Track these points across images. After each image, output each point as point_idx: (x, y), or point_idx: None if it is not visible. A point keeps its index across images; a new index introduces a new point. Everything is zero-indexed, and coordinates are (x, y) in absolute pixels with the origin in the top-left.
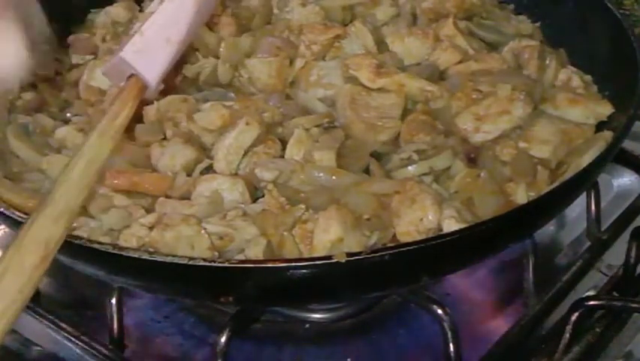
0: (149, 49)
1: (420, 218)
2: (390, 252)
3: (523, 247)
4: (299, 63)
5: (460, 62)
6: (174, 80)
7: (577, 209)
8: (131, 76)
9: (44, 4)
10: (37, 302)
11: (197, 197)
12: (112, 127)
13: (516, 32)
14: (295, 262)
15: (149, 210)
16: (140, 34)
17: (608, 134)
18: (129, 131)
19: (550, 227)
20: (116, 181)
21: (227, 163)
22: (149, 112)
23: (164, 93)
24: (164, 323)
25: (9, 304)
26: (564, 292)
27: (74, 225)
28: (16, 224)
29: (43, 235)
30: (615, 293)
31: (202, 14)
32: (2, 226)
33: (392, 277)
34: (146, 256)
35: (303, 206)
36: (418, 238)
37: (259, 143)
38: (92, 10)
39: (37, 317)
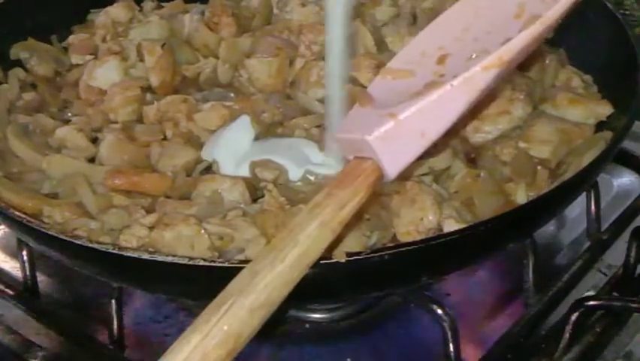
0: (400, 140)
1: (420, 218)
2: (390, 252)
3: (523, 247)
4: (299, 63)
5: None
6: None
7: (577, 209)
8: (367, 158)
9: (44, 4)
10: (37, 302)
11: (197, 197)
12: (336, 218)
13: None
14: None
15: (149, 210)
16: (395, 121)
17: (608, 134)
18: (129, 130)
19: (550, 227)
20: (116, 181)
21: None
22: (149, 112)
23: (164, 93)
24: (164, 323)
25: None
26: (564, 292)
27: (74, 225)
28: (16, 224)
29: (236, 327)
30: (615, 293)
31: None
32: (2, 226)
33: (392, 277)
34: (146, 256)
35: (303, 206)
36: (418, 238)
37: None
38: (92, 10)
39: (37, 316)
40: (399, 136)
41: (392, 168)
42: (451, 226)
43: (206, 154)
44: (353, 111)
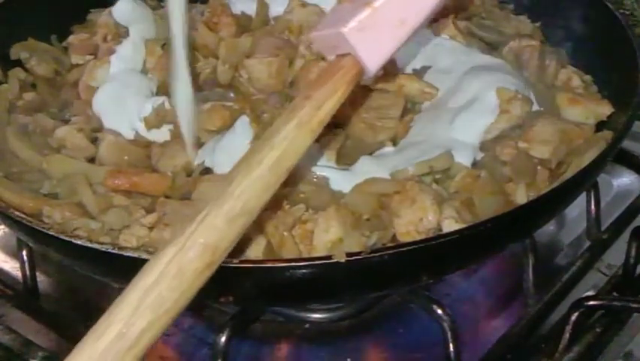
0: (378, 29)
1: (420, 218)
2: (390, 252)
3: (523, 247)
4: (299, 63)
5: None
6: None
7: (577, 209)
8: (345, 54)
9: (44, 4)
10: (37, 302)
11: (197, 197)
12: (315, 117)
13: (516, 32)
14: (295, 262)
15: (149, 210)
16: (371, 9)
17: (608, 134)
18: None
19: (550, 227)
20: (116, 181)
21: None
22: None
23: (164, 94)
24: None
25: (161, 315)
26: (564, 292)
27: (74, 225)
28: (16, 224)
29: (213, 237)
30: (615, 293)
31: None
32: (2, 226)
33: (392, 277)
34: (146, 256)
35: (303, 206)
36: (418, 238)
37: None
38: (92, 10)
39: (37, 317)
40: (376, 25)
41: (372, 62)
42: (450, 226)
43: (200, 159)
44: (332, 9)
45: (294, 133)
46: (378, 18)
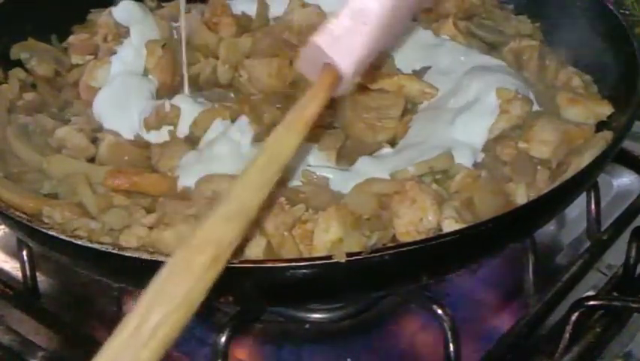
0: (346, 32)
1: (420, 218)
2: (390, 252)
3: (523, 247)
4: None
5: None
6: (173, 81)
7: (577, 209)
8: (327, 65)
9: (44, 4)
10: (37, 302)
11: (197, 197)
12: (300, 119)
13: (516, 32)
14: (295, 262)
15: (149, 210)
16: (336, 18)
17: (608, 134)
18: None
19: (550, 227)
20: (116, 181)
21: None
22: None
23: (164, 94)
24: None
25: (174, 308)
26: (564, 292)
27: (74, 225)
28: (16, 224)
29: (214, 235)
30: (615, 293)
31: None
32: (2, 226)
33: (392, 277)
34: (146, 256)
35: (303, 206)
36: (418, 238)
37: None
38: (92, 10)
39: (37, 317)
40: (343, 29)
41: (345, 63)
42: (450, 226)
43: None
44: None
45: (282, 135)
46: (343, 23)
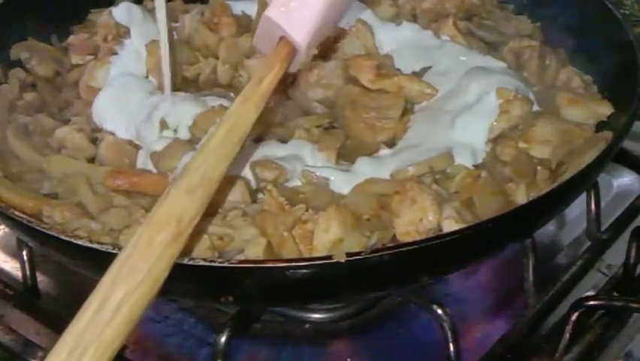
0: (297, 4)
1: (420, 218)
2: (390, 252)
3: (523, 247)
4: None
5: None
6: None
7: (577, 209)
8: (281, 39)
9: (44, 4)
10: (37, 302)
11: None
12: (256, 92)
13: (516, 32)
14: (295, 262)
15: (149, 210)
16: None
17: (608, 134)
18: None
19: (550, 227)
20: (116, 182)
21: None
22: None
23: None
24: (164, 323)
25: (136, 285)
26: (564, 292)
27: (74, 225)
28: (16, 224)
29: (175, 209)
30: (615, 293)
31: None
32: (2, 226)
33: (392, 277)
34: None
35: (303, 206)
36: (418, 238)
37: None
38: (92, 10)
39: (37, 317)
40: (295, 2)
41: (299, 35)
42: (451, 226)
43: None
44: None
45: (239, 108)
46: None
